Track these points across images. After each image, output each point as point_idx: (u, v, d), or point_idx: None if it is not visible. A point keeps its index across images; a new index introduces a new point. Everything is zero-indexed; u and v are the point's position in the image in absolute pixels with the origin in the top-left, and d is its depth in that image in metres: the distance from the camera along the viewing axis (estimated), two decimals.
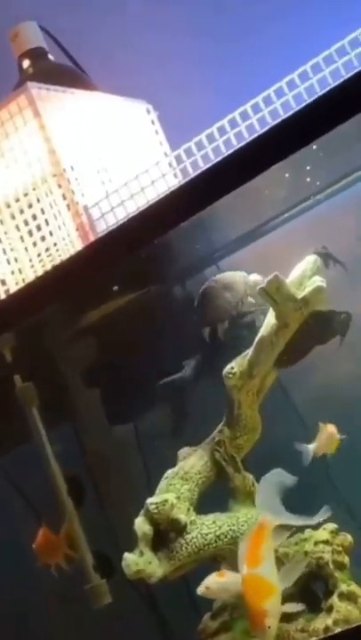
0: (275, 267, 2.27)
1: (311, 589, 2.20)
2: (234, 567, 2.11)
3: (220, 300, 2.49)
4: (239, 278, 2.50)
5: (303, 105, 2.19)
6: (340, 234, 2.52)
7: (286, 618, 2.15)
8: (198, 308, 2.53)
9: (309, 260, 2.31)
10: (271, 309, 2.25)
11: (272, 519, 2.06)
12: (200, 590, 2.17)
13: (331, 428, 2.37)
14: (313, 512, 2.14)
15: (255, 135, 2.22)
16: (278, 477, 2.17)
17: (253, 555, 1.97)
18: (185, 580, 2.33)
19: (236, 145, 2.28)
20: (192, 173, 2.33)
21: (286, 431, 2.54)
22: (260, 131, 2.24)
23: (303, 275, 2.28)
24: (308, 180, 2.50)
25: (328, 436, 2.37)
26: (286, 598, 2.14)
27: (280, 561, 2.21)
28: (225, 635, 2.24)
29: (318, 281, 2.25)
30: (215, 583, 2.16)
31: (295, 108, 2.18)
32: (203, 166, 2.33)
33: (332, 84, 2.17)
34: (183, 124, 2.59)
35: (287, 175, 2.40)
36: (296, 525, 2.13)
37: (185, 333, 2.68)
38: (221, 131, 2.32)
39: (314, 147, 2.21)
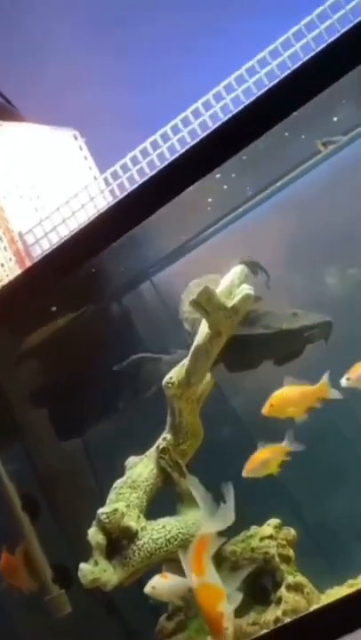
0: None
1: (260, 583, 2.21)
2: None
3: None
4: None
5: (220, 123, 2.24)
6: (266, 242, 2.55)
7: (238, 613, 2.17)
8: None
9: (236, 270, 2.32)
10: (203, 320, 2.27)
11: (209, 530, 2.08)
12: (147, 589, 2.18)
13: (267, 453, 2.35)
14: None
15: (176, 155, 2.26)
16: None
17: (198, 565, 1.98)
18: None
19: (160, 165, 2.31)
20: (119, 195, 2.36)
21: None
22: (180, 150, 2.28)
23: (232, 284, 2.29)
24: (233, 193, 2.53)
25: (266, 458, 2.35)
26: None
27: (228, 559, 2.24)
28: (181, 634, 2.24)
29: (246, 289, 2.26)
30: (160, 584, 2.17)
31: (213, 126, 2.23)
32: (129, 188, 2.35)
33: (245, 101, 2.21)
34: (111, 147, 2.61)
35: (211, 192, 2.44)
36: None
37: (126, 347, 2.69)
38: (144, 153, 2.35)
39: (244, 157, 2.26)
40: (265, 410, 2.28)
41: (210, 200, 2.52)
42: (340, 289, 2.53)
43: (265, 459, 2.25)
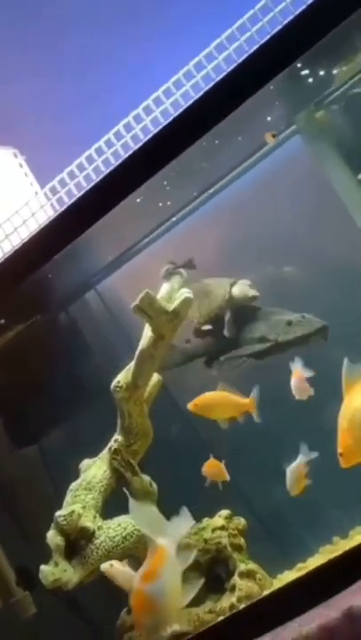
0: (146, 284, 2.29)
1: (215, 572, 2.21)
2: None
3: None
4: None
5: (151, 134, 2.23)
6: (201, 246, 2.54)
7: (195, 602, 2.16)
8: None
9: (175, 276, 2.32)
10: (147, 324, 2.26)
11: (166, 544, 1.96)
12: (104, 566, 2.20)
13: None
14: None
15: (111, 168, 2.25)
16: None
17: (149, 572, 1.95)
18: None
19: (96, 178, 2.30)
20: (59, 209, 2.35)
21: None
22: (115, 163, 2.27)
23: (172, 289, 2.29)
24: (167, 203, 2.53)
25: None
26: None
27: (184, 551, 2.23)
28: None
29: (185, 293, 2.25)
30: (118, 566, 2.19)
31: (144, 138, 2.22)
32: (68, 201, 2.34)
33: (174, 114, 2.21)
34: (51, 163, 2.58)
35: (146, 201, 2.43)
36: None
37: (76, 353, 2.67)
38: (80, 167, 2.33)
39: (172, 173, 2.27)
40: (190, 406, 2.30)
41: (147, 208, 2.51)
42: (275, 286, 2.53)
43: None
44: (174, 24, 2.82)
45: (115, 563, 2.19)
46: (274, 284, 2.49)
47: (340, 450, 1.78)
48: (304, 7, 2.01)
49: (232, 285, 2.44)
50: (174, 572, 1.89)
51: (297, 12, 2.02)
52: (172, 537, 1.92)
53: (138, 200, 2.32)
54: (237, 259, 2.52)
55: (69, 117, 2.91)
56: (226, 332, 2.43)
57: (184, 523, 1.95)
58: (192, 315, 2.39)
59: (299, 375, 2.19)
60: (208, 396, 2.27)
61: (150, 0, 2.74)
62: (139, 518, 2.05)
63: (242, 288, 2.44)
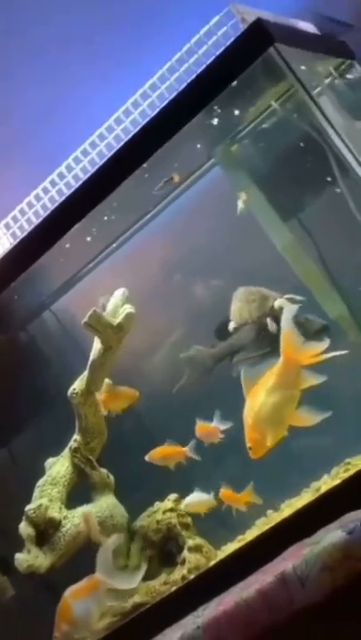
0: (94, 302, 2.37)
1: (167, 549, 2.29)
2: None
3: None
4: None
5: (97, 167, 2.31)
6: (140, 267, 2.62)
7: (151, 576, 2.26)
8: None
9: (118, 293, 2.40)
10: (96, 337, 2.34)
11: (103, 579, 2.12)
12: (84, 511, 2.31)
13: None
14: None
15: (61, 200, 2.33)
16: (116, 542, 2.23)
17: (78, 591, 2.09)
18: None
19: (51, 207, 2.38)
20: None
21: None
22: (67, 193, 2.35)
23: (116, 305, 2.37)
24: (109, 229, 2.60)
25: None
26: (150, 560, 2.28)
27: (139, 532, 2.31)
28: None
29: (128, 308, 2.35)
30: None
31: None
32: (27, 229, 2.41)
33: (117, 146, 2.30)
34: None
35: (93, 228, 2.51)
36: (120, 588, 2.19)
37: (36, 366, 2.73)
38: (37, 197, 2.42)
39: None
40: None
41: (94, 233, 2.58)
42: (209, 299, 2.61)
43: (166, 454, 2.32)
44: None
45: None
46: (205, 298, 2.58)
47: (248, 445, 1.92)
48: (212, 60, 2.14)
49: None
50: (100, 601, 2.09)
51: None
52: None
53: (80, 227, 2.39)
54: (171, 278, 2.59)
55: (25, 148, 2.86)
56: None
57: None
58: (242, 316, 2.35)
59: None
60: (156, 451, 2.33)
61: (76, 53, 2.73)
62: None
63: (283, 301, 2.33)
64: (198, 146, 2.44)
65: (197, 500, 2.27)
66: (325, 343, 1.89)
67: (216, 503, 2.24)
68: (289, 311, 1.92)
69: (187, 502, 2.28)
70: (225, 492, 2.22)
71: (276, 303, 2.29)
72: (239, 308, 2.32)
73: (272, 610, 1.84)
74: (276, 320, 2.22)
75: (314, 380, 1.90)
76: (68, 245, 2.44)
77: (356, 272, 2.33)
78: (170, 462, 2.30)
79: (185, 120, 2.15)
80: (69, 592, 2.09)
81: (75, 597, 2.07)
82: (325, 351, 1.88)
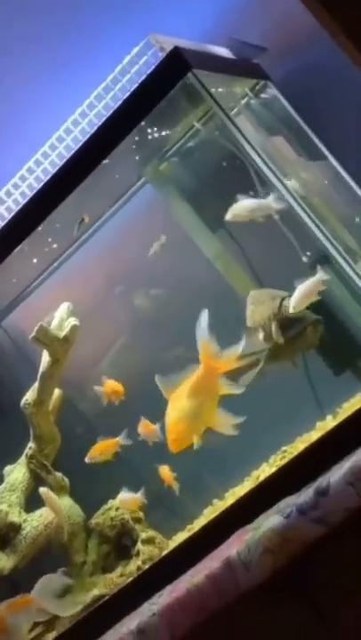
0: (42, 317, 2.34)
1: (122, 543, 2.27)
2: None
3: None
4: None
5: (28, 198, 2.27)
6: (86, 280, 2.60)
7: (109, 569, 2.24)
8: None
9: (63, 307, 2.37)
10: (45, 351, 2.31)
11: (38, 601, 2.11)
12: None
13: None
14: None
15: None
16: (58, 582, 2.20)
17: (14, 605, 2.09)
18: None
19: None
20: None
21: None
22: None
23: (61, 319, 2.35)
24: (53, 246, 2.57)
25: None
26: (107, 554, 2.25)
27: (95, 530, 2.29)
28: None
29: (73, 321, 2.33)
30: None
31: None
32: None
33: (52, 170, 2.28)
34: None
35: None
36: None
37: None
38: None
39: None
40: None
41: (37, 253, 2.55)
42: (149, 308, 2.60)
43: (102, 449, 2.30)
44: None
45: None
46: (145, 307, 2.57)
47: (169, 442, 1.94)
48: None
49: (284, 299, 2.20)
50: (30, 618, 2.11)
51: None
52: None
53: (25, 248, 2.35)
54: (112, 291, 2.57)
55: None
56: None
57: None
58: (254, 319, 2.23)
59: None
60: (92, 450, 2.30)
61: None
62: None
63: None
64: (129, 166, 2.42)
65: (127, 498, 2.27)
66: (239, 348, 1.90)
67: (144, 501, 2.25)
68: (204, 319, 1.90)
69: (119, 499, 2.28)
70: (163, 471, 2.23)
71: (285, 302, 2.18)
72: (252, 311, 2.22)
73: (221, 594, 1.84)
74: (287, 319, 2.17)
75: (232, 389, 1.93)
76: (15, 265, 2.40)
77: (280, 275, 2.34)
78: (108, 455, 2.29)
79: (113, 145, 2.14)
80: (4, 605, 2.10)
81: (9, 611, 2.08)
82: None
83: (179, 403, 1.92)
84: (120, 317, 2.61)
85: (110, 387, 2.35)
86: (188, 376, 1.93)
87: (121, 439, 2.28)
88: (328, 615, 1.83)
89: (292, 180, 2.26)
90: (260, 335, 2.21)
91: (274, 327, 2.17)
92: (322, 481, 1.79)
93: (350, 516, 1.73)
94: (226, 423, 1.94)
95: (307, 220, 2.13)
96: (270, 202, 2.13)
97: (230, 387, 1.93)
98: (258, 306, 2.23)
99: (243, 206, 2.15)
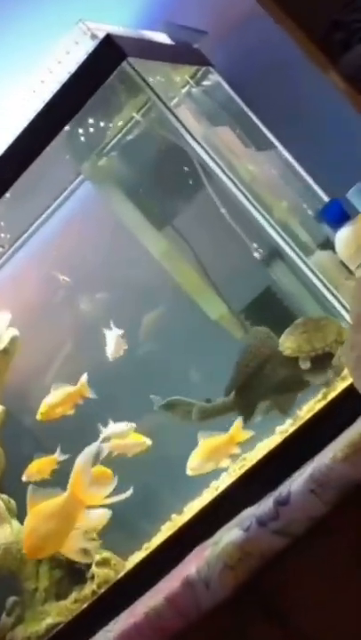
0: None
1: (76, 567, 2.26)
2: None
3: None
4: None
5: None
6: (25, 287, 2.58)
7: (63, 595, 2.23)
8: None
9: (2, 317, 2.36)
10: None
11: None
12: None
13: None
14: None
15: None
16: None
17: None
18: None
19: None
20: None
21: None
22: None
23: (0, 330, 2.34)
24: None
25: None
26: (60, 580, 2.24)
27: None
28: (20, 626, 2.25)
29: (12, 332, 2.32)
30: None
31: None
32: None
33: None
34: None
35: None
36: None
37: None
38: None
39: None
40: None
41: None
42: (93, 311, 2.60)
43: (39, 467, 2.30)
44: None
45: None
46: (89, 311, 2.57)
47: (25, 549, 2.10)
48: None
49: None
50: None
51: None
52: None
53: None
54: (54, 295, 2.56)
55: None
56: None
57: None
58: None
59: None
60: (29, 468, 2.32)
61: None
62: None
63: None
64: (65, 163, 2.41)
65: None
66: (110, 488, 2.06)
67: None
68: (93, 446, 2.06)
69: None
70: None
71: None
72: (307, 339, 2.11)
73: (181, 615, 1.85)
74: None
75: (93, 522, 2.11)
76: None
77: (231, 270, 2.36)
78: (45, 473, 2.29)
79: (46, 141, 2.12)
80: None
81: None
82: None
83: (37, 516, 2.03)
84: (64, 324, 2.59)
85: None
86: (59, 495, 2.05)
87: (58, 456, 2.28)
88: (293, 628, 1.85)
89: (240, 172, 2.27)
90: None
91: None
92: (282, 489, 1.80)
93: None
94: (75, 550, 2.10)
95: (256, 214, 2.14)
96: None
97: (93, 519, 2.10)
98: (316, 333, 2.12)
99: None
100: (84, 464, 2.03)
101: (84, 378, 2.33)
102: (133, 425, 2.32)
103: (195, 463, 2.18)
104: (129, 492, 2.12)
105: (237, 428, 2.15)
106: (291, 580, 1.81)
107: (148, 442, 2.31)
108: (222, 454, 2.17)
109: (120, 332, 2.34)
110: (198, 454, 2.18)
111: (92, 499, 2.05)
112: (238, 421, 2.14)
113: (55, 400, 2.33)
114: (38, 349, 2.56)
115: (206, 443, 2.18)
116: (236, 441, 2.17)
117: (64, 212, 2.50)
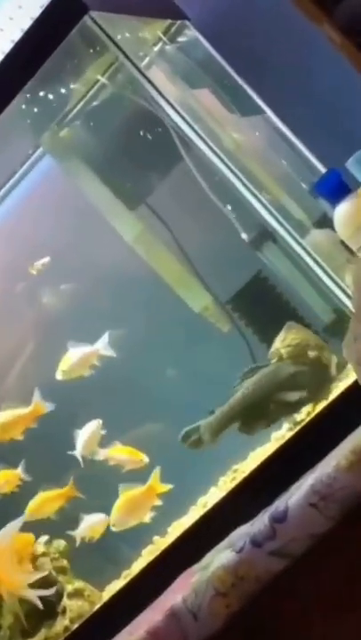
0: None
1: (45, 599, 2.25)
2: None
3: None
4: None
5: None
6: None
7: (31, 633, 2.23)
8: None
9: None
10: None
11: None
12: None
13: None
14: None
15: None
16: None
17: None
18: None
19: None
20: None
21: None
22: None
23: None
24: None
25: None
26: (26, 615, 2.24)
27: None
28: None
29: None
30: None
31: None
32: None
33: None
34: None
35: None
36: None
37: None
38: None
39: None
40: None
41: None
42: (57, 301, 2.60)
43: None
44: None
45: None
46: (53, 301, 2.57)
47: None
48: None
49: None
50: None
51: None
52: None
53: None
54: (13, 285, 2.56)
55: None
56: None
57: None
58: None
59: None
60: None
61: None
62: None
63: None
64: (22, 135, 2.40)
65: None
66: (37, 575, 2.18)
67: None
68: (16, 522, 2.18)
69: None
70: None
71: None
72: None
73: None
74: None
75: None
76: None
77: (215, 255, 2.36)
78: (10, 487, 2.32)
79: None
80: None
81: None
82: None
83: None
84: (26, 318, 2.59)
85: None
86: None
87: (21, 472, 2.30)
88: None
89: (223, 140, 2.27)
90: None
91: None
92: (279, 504, 1.81)
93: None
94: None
95: (243, 189, 2.14)
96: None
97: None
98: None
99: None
100: (9, 530, 2.15)
101: (37, 395, 2.33)
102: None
103: (117, 518, 2.28)
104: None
105: (155, 480, 2.26)
106: (290, 607, 1.82)
107: (146, 459, 2.34)
108: (144, 507, 2.27)
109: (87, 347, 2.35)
110: (119, 508, 2.27)
111: (12, 584, 2.17)
112: (156, 472, 2.26)
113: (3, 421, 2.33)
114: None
115: (127, 495, 2.27)
116: (155, 492, 2.27)
117: (21, 190, 2.49)
